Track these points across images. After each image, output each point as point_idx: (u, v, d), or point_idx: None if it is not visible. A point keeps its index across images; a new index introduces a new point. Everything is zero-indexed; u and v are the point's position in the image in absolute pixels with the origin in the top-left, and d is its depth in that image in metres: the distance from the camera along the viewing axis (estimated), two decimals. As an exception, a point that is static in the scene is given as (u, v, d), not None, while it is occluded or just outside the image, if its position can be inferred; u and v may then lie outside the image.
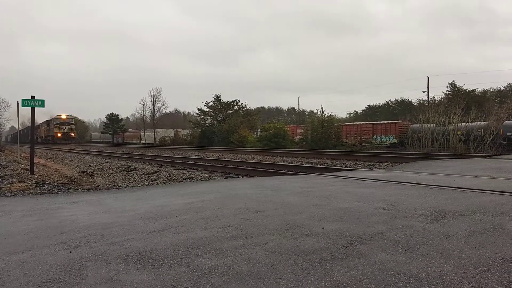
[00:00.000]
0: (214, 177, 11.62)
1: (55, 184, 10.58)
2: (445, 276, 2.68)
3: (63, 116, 70.71)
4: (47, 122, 74.94)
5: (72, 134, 69.65)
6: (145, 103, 64.46)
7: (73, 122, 72.06)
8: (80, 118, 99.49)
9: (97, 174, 15.98)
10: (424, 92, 53.78)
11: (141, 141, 62.63)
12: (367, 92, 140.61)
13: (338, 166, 12.79)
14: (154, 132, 59.25)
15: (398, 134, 32.86)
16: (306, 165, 13.58)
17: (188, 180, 11.35)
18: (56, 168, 19.43)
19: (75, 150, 34.80)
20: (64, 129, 68.76)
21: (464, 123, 25.35)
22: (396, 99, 75.68)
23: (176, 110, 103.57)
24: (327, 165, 13.38)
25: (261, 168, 13.25)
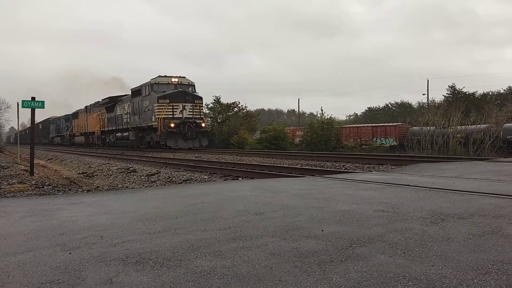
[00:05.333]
0: (213, 179, 11.62)
1: (55, 185, 10.58)
2: (444, 279, 2.68)
3: (174, 79, 29.67)
4: (112, 103, 36.91)
5: (203, 124, 29.72)
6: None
7: (199, 94, 30.36)
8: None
9: (96, 175, 15.98)
10: (424, 94, 53.91)
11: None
12: (361, 95, 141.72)
13: (337, 169, 12.79)
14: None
15: (398, 137, 32.89)
16: (306, 167, 13.58)
17: (188, 181, 11.35)
18: (56, 169, 19.43)
19: (74, 151, 34.80)
20: (182, 111, 28.37)
21: (463, 126, 25.38)
22: (396, 101, 75.84)
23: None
24: (327, 167, 13.39)
25: (260, 170, 13.26)
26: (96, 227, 4.59)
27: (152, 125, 28.65)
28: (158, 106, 27.74)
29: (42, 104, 12.46)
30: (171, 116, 27.89)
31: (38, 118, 69.46)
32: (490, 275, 2.73)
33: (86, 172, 17.17)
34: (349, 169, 12.06)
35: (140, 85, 31.00)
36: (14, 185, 9.27)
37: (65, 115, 56.51)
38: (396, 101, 75.90)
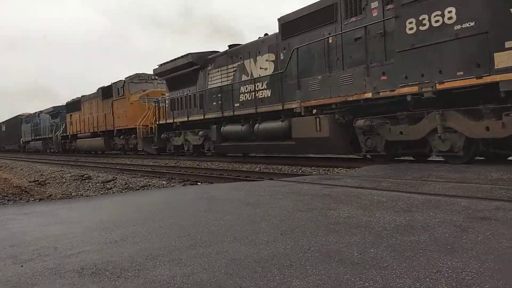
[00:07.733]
0: (172, 184, 11.49)
1: (5, 194, 10.14)
2: (398, 279, 2.78)
3: None
4: (192, 67, 17.87)
5: None
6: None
7: None
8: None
9: (49, 183, 15.42)
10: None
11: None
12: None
13: (295, 172, 12.95)
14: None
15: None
16: (264, 170, 13.67)
17: (146, 187, 11.17)
18: (5, 178, 18.57)
19: (25, 158, 33.43)
20: None
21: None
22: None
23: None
24: (284, 171, 13.52)
25: (219, 175, 13.24)
26: (49, 238, 4.43)
27: None
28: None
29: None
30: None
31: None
32: (441, 273, 2.85)
33: (37, 180, 16.52)
34: (305, 172, 12.24)
35: None
36: (-41, 196, 8.80)
37: (52, 107, 39.27)
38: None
